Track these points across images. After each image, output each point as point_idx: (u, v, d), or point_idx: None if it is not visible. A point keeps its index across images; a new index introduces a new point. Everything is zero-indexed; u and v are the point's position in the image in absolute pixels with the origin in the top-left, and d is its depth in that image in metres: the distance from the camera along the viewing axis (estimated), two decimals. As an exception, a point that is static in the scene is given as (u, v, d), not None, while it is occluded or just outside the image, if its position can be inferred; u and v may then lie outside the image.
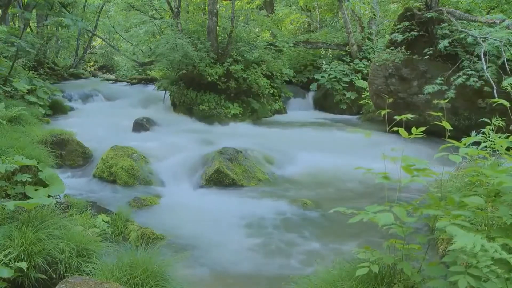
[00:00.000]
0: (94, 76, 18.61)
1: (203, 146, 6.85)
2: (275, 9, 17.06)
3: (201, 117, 10.12)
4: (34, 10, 12.64)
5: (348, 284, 2.34)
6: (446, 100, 6.06)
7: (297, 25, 17.00)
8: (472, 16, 8.05)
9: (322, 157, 6.69)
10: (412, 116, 2.55)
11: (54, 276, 2.68)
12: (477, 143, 3.20)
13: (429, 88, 7.59)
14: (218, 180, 5.66)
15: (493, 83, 6.57)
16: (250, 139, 7.70)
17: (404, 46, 8.43)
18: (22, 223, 2.84)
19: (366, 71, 11.36)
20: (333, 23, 17.00)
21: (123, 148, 6.09)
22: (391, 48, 8.71)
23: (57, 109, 10.20)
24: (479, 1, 10.12)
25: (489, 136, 3.12)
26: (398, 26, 8.65)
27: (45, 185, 4.04)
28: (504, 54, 6.61)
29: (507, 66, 6.49)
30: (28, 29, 12.68)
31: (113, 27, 17.18)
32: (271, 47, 12.01)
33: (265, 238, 4.10)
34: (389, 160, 2.38)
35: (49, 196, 3.76)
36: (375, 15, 14.06)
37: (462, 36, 7.42)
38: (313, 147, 7.25)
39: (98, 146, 6.50)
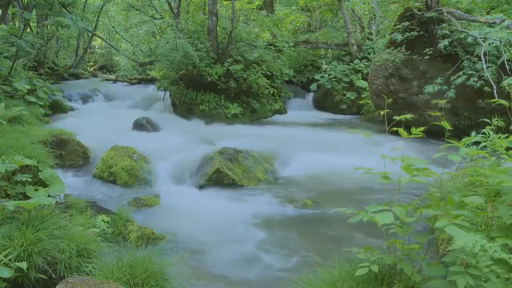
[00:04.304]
0: (94, 76, 18.59)
1: (203, 146, 6.84)
2: (275, 9, 17.05)
3: (201, 117, 10.11)
4: (34, 10, 12.64)
5: (348, 284, 2.34)
6: (446, 100, 6.08)
7: (297, 25, 16.98)
8: (472, 16, 8.05)
9: (322, 157, 6.69)
10: (411, 116, 2.55)
11: (54, 276, 2.68)
12: (477, 143, 3.20)
13: (429, 88, 7.60)
14: (218, 180, 5.66)
15: (493, 83, 6.57)
16: (250, 139, 7.71)
17: (404, 46, 8.43)
18: (22, 223, 2.84)
19: (366, 71, 11.35)
20: (333, 23, 17.00)
21: (123, 148, 6.09)
22: (391, 48, 8.71)
23: (57, 109, 10.20)
24: (479, 1, 10.12)
25: (489, 136, 3.12)
26: (398, 26, 8.65)
27: (45, 185, 4.04)
28: (504, 54, 6.61)
29: (507, 66, 6.49)
30: (28, 29, 12.67)
31: (113, 27, 17.17)
32: (271, 47, 12.00)
33: (265, 238, 4.10)
34: (388, 160, 2.38)
35: (49, 196, 3.76)
36: (375, 15, 14.06)
37: (462, 36, 7.43)
38: (313, 147, 7.25)
39: (98, 146, 6.49)
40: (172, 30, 10.55)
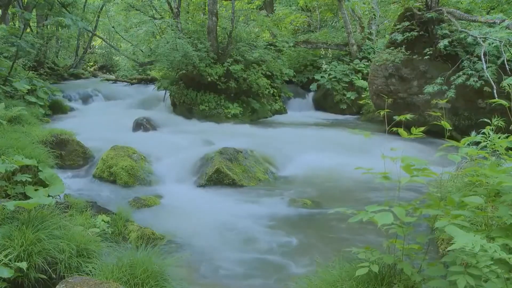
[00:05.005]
0: (94, 76, 18.58)
1: (203, 146, 6.85)
2: (275, 9, 17.05)
3: (201, 117, 10.12)
4: (34, 10, 12.64)
5: (348, 284, 2.34)
6: (446, 100, 6.08)
7: (297, 25, 16.98)
8: (472, 16, 8.05)
9: (322, 157, 6.68)
10: (411, 116, 2.56)
11: (54, 276, 2.68)
12: (477, 143, 3.21)
13: (429, 88, 7.60)
14: (218, 180, 5.66)
15: (493, 83, 6.57)
16: (250, 139, 7.70)
17: (404, 46, 8.43)
18: (22, 223, 2.84)
19: (366, 71, 11.35)
20: (333, 23, 16.99)
21: (123, 148, 6.09)
22: (391, 48, 8.71)
23: (57, 109, 10.21)
24: (479, 1, 10.12)
25: (489, 136, 3.12)
26: (398, 26, 8.65)
27: (45, 185, 4.04)
28: (504, 54, 6.61)
29: (507, 66, 6.49)
30: (28, 29, 12.68)
31: (113, 27, 17.17)
32: (271, 47, 12.00)
33: (265, 238, 4.10)
34: (388, 160, 2.38)
35: (49, 196, 3.76)
36: (375, 15, 14.05)
37: (462, 36, 7.43)
38: (313, 147, 7.25)
39: (98, 146, 6.49)
40: (172, 30, 10.55)
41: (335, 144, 7.48)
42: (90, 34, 17.29)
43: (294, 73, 12.60)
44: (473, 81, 7.08)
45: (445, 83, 7.49)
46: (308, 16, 16.91)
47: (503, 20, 6.99)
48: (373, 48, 12.66)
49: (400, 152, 2.37)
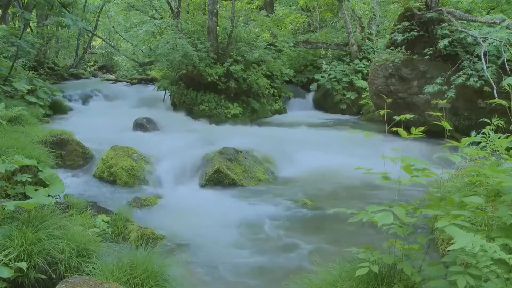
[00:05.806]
0: (94, 76, 18.55)
1: (203, 146, 6.84)
2: (275, 9, 17.05)
3: (201, 117, 10.12)
4: (34, 10, 12.65)
5: (348, 284, 2.34)
6: (446, 100, 6.08)
7: (297, 25, 16.96)
8: (472, 16, 8.05)
9: (322, 157, 6.69)
10: (411, 116, 2.56)
11: (54, 276, 2.68)
12: (477, 143, 3.21)
13: (429, 88, 7.60)
14: (218, 180, 5.66)
15: (493, 83, 6.57)
16: (250, 139, 7.70)
17: (404, 46, 8.43)
18: (22, 223, 2.84)
19: (366, 71, 11.35)
20: (333, 23, 16.99)
21: (123, 148, 6.09)
22: (391, 48, 8.70)
23: (57, 109, 10.19)
24: (479, 1, 10.12)
25: (489, 136, 3.12)
26: (398, 26, 8.65)
27: (45, 185, 4.04)
28: (504, 54, 6.61)
29: (507, 66, 6.49)
30: (28, 29, 12.67)
31: (113, 27, 17.17)
32: (271, 47, 12.00)
33: (265, 238, 4.10)
34: (388, 160, 2.38)
35: (49, 196, 3.76)
36: (375, 15, 14.05)
37: (462, 36, 7.43)
38: (313, 147, 7.25)
39: (98, 146, 6.49)
40: (172, 30, 10.55)
41: (335, 144, 7.49)
42: (90, 34, 17.28)
43: (294, 73, 12.60)
44: (473, 81, 7.08)
45: (445, 83, 7.49)
46: (308, 16, 16.89)
47: (503, 20, 6.99)
48: (373, 48, 12.66)
49: (400, 152, 2.37)
